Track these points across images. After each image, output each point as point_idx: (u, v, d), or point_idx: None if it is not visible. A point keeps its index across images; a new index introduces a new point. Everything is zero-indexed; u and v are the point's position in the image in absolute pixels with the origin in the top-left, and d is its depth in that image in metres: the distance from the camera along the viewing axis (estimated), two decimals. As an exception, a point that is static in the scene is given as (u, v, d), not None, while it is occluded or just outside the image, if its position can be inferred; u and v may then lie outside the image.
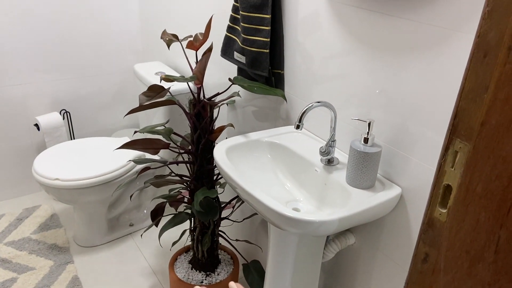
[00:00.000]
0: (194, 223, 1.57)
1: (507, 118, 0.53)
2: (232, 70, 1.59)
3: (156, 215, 1.51)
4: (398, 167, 1.04)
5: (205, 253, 1.57)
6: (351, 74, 1.11)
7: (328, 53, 1.17)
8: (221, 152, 1.18)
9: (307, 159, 1.18)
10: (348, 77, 1.12)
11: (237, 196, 1.52)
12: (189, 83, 1.77)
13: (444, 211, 0.64)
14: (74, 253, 1.86)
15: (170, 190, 1.56)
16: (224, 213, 1.88)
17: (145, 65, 1.96)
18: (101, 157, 1.79)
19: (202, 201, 1.42)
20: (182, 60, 1.90)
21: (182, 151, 1.46)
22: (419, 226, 1.02)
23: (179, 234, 1.95)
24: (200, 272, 1.61)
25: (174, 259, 1.67)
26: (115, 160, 1.77)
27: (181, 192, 1.55)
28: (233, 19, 1.42)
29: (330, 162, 1.14)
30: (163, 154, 1.91)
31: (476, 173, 0.58)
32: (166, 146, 1.38)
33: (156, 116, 1.84)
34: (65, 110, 2.14)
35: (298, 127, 1.08)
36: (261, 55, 1.32)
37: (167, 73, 1.87)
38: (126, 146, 1.35)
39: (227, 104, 1.67)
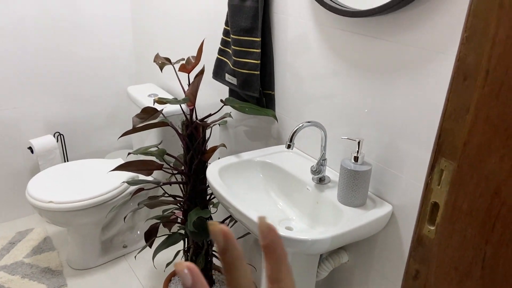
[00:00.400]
0: (188, 244, 1.57)
1: (488, 138, 0.55)
2: (224, 90, 1.61)
3: (149, 236, 1.51)
4: (389, 184, 1.06)
5: (199, 274, 1.56)
6: (340, 93, 1.14)
7: (317, 73, 1.20)
8: (214, 172, 1.19)
9: (299, 178, 1.19)
10: (337, 97, 1.15)
11: (230, 216, 1.53)
12: (182, 104, 1.79)
13: (433, 228, 0.65)
14: (68, 276, 1.84)
15: (164, 211, 1.56)
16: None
17: (138, 87, 1.98)
18: (95, 179, 1.79)
19: (195, 221, 1.43)
20: (174, 82, 1.93)
21: (175, 171, 1.47)
22: (410, 243, 1.03)
23: (173, 255, 1.94)
24: (194, 293, 1.60)
25: (168, 280, 1.66)
26: (108, 182, 1.77)
27: (174, 213, 1.55)
28: (224, 42, 1.45)
29: (321, 180, 1.16)
30: (156, 174, 1.92)
31: (461, 191, 0.60)
32: (160, 167, 1.39)
33: (149, 137, 1.85)
34: (59, 132, 2.14)
35: (289, 146, 1.10)
36: (252, 77, 1.35)
37: (160, 95, 1.89)
38: (120, 168, 1.35)
39: (219, 125, 1.69)
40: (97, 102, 2.22)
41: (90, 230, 1.82)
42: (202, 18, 1.64)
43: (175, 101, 1.32)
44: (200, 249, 1.53)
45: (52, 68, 2.04)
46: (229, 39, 1.41)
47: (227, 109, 1.60)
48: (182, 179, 1.51)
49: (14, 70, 1.95)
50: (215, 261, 1.86)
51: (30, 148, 2.02)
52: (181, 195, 1.86)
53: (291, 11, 1.24)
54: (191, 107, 1.41)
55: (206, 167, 1.48)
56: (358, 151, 1.04)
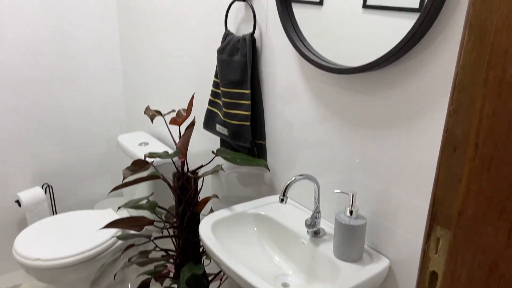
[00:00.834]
0: (181, 299, 1.52)
1: (482, 209, 0.55)
2: (215, 138, 1.61)
3: (141, 293, 1.46)
4: (384, 238, 1.04)
5: (194, 330, 1.51)
6: (330, 142, 1.15)
7: (306, 121, 1.21)
8: (206, 228, 1.17)
9: (294, 231, 1.18)
10: (327, 145, 1.16)
11: (225, 268, 1.49)
12: (173, 153, 1.78)
13: (432, 297, 0.64)
14: (55, 337, 1.76)
15: (156, 266, 1.52)
16: (212, 286, 1.82)
17: (129, 136, 1.97)
18: (84, 233, 1.75)
19: (188, 278, 1.39)
20: (165, 129, 1.93)
21: (167, 225, 1.44)
22: (410, 298, 1.01)
23: (166, 308, 1.88)
24: None
25: (162, 338, 1.59)
26: (97, 236, 1.73)
27: (166, 266, 1.51)
28: (214, 94, 1.46)
29: (316, 234, 1.14)
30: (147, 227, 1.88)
31: (459, 260, 0.59)
32: (151, 223, 1.36)
33: (140, 186, 1.83)
34: (47, 184, 2.11)
35: (282, 201, 1.09)
36: (243, 128, 1.35)
37: (150, 144, 1.89)
38: (110, 225, 1.32)
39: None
40: (87, 150, 2.21)
41: (79, 286, 1.75)
42: (192, 68, 1.66)
43: (166, 155, 1.31)
44: (194, 305, 1.48)
45: (42, 119, 2.04)
46: (219, 91, 1.43)
47: (219, 159, 1.59)
48: (174, 232, 1.48)
49: (2, 122, 1.94)
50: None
51: (17, 201, 1.97)
52: (173, 248, 1.82)
53: (279, 66, 1.26)
54: (182, 159, 1.40)
55: (199, 218, 1.46)
56: (352, 205, 1.04)
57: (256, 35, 1.31)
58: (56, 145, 2.11)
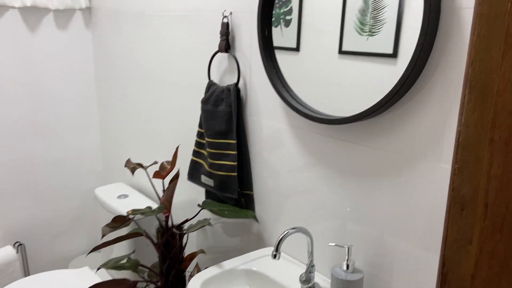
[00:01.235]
0: None
1: (496, 273, 0.53)
2: (200, 187, 1.56)
3: None
4: (383, 292, 1.00)
5: None
6: (318, 190, 1.12)
7: (293, 169, 1.19)
8: (195, 289, 1.10)
9: (288, 287, 1.12)
10: (316, 193, 1.13)
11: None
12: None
13: None
14: None
15: (139, 330, 1.41)
16: None
17: (107, 188, 1.90)
18: (59, 295, 1.63)
19: None
20: (146, 179, 1.86)
21: (151, 286, 1.36)
22: None
23: None
24: None
25: None
26: (75, 297, 1.61)
27: (151, 330, 1.41)
28: (198, 144, 1.43)
29: (311, 289, 1.09)
30: (128, 282, 1.77)
31: (476, 327, 0.56)
32: (133, 286, 1.28)
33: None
34: (19, 242, 1.98)
35: (275, 256, 1.04)
36: (230, 178, 1.32)
37: (130, 196, 1.81)
38: (90, 290, 1.23)
39: (195, 225, 1.62)
40: (61, 205, 2.10)
41: None
42: (174, 119, 1.63)
43: (150, 211, 1.25)
44: None
45: (12, 172, 1.94)
46: (204, 141, 1.40)
47: (205, 212, 1.54)
48: (158, 291, 1.40)
49: (-28, 179, 1.84)
50: None
51: (-14, 262, 1.83)
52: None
53: (264, 114, 1.25)
54: (167, 214, 1.34)
55: (185, 276, 1.38)
56: (348, 259, 1.00)
57: (240, 84, 1.31)
58: (28, 200, 2.00)
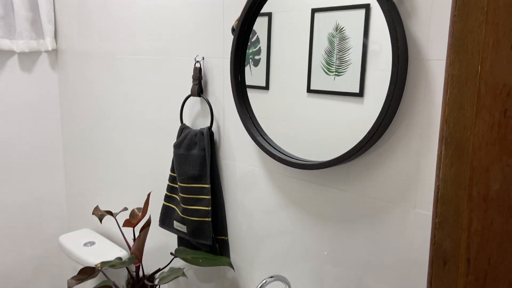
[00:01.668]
0: None
1: (484, 329, 0.52)
2: (172, 234, 1.51)
3: None
4: None
5: None
6: (293, 232, 1.11)
7: (267, 210, 1.18)
8: None
9: (266, 339, 1.08)
10: (291, 234, 1.12)
11: None
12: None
13: None
14: None
15: None
16: None
17: (72, 235, 1.80)
18: None
19: None
20: (113, 225, 1.79)
21: None
22: None
23: None
24: None
25: None
26: None
27: None
28: (170, 189, 1.40)
29: None
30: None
31: None
32: None
33: (86, 293, 1.64)
34: (-28, 297, 1.83)
35: (253, 307, 1.00)
36: (204, 224, 1.28)
37: (98, 243, 1.73)
38: None
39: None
40: (23, 253, 1.97)
41: None
42: (145, 163, 1.59)
43: (120, 263, 1.19)
44: None
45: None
46: (176, 186, 1.37)
47: (178, 260, 1.48)
48: None
49: None
50: None
51: None
52: None
53: (239, 158, 1.24)
54: (138, 265, 1.28)
55: (157, 330, 1.31)
56: (328, 307, 0.98)
57: (213, 128, 1.30)
58: (-14, 250, 1.87)
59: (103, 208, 1.82)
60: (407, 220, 0.89)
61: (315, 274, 1.08)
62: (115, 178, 1.76)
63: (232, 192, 1.29)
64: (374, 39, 0.88)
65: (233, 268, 1.29)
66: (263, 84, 1.12)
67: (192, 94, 1.30)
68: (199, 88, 1.29)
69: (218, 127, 1.29)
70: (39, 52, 1.90)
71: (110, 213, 1.35)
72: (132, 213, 1.32)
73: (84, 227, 2.00)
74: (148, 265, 1.62)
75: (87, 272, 1.27)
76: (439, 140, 0.55)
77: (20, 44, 1.81)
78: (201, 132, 1.28)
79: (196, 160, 1.29)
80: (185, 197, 1.31)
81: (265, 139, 1.13)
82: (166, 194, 1.41)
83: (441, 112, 0.54)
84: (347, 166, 0.98)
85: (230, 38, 1.19)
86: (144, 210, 1.28)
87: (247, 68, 1.15)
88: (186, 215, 1.31)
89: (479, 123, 0.50)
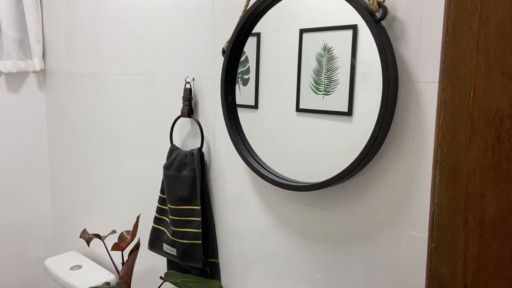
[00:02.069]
0: None
1: None
2: (161, 258, 1.48)
3: None
4: None
5: None
6: (285, 253, 1.10)
7: (258, 230, 1.16)
8: None
9: None
10: (283, 256, 1.10)
11: None
12: (112, 276, 1.60)
13: None
14: None
15: None
16: None
17: (58, 259, 1.76)
18: None
19: None
20: (101, 247, 1.75)
21: None
22: None
23: None
24: None
25: None
26: None
27: None
28: (160, 210, 1.37)
29: None
30: None
31: None
32: None
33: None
34: (-48, 325, 1.76)
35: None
36: (194, 247, 1.26)
37: (85, 266, 1.68)
38: None
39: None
40: (6, 277, 1.91)
41: None
42: (134, 185, 1.57)
43: (108, 288, 1.16)
44: None
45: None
46: (166, 207, 1.35)
47: (168, 284, 1.45)
48: None
49: None
50: None
51: None
52: None
53: (229, 179, 1.23)
54: (126, 289, 1.25)
55: None
56: (322, 332, 0.96)
57: (204, 149, 1.29)
58: (-32, 276, 1.81)
59: (91, 230, 1.78)
60: (400, 242, 0.88)
61: (308, 298, 1.06)
62: (103, 199, 1.73)
63: (222, 214, 1.27)
64: (362, 59, 0.89)
65: (224, 292, 1.27)
66: (252, 103, 1.12)
67: (182, 115, 1.29)
68: (189, 109, 1.28)
69: (209, 148, 1.28)
70: (27, 72, 1.89)
71: (98, 236, 1.31)
72: (121, 236, 1.29)
73: (71, 250, 1.95)
74: (137, 289, 1.58)
75: (73, 298, 1.23)
76: (433, 164, 0.55)
77: (7, 65, 1.79)
78: (191, 153, 1.27)
79: (186, 182, 1.27)
80: (175, 219, 1.29)
81: (256, 160, 1.12)
82: (155, 216, 1.38)
83: (435, 137, 0.54)
84: (339, 187, 0.97)
85: (220, 59, 1.20)
86: (133, 233, 1.25)
87: (236, 87, 1.15)
88: (176, 238, 1.28)
89: (473, 148, 0.50)
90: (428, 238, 0.56)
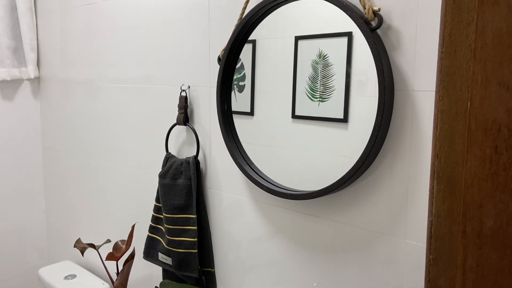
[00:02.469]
0: None
1: None
2: (156, 267, 1.47)
3: None
4: None
5: None
6: (282, 261, 1.09)
7: (254, 238, 1.15)
8: None
9: None
10: (279, 265, 1.10)
11: None
12: None
13: None
14: None
15: None
16: None
17: (52, 268, 1.73)
18: None
19: None
20: (95, 257, 1.73)
21: None
22: None
23: None
24: None
25: None
26: None
27: None
28: (155, 219, 1.36)
29: None
30: None
31: None
32: None
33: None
34: None
35: None
36: (189, 256, 1.25)
37: (78, 276, 1.66)
38: None
39: (152, 306, 1.50)
40: (-1, 288, 1.89)
41: None
42: (129, 193, 1.56)
43: (102, 299, 1.14)
44: None
45: None
46: (161, 216, 1.33)
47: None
48: None
49: None
50: None
51: None
52: None
53: (225, 187, 1.22)
54: (121, 300, 1.23)
55: None
56: None
57: (199, 157, 1.28)
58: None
59: (85, 239, 1.76)
60: (397, 251, 0.88)
61: (305, 307, 1.05)
62: (98, 208, 1.71)
63: (218, 223, 1.26)
64: (357, 65, 0.89)
65: (220, 302, 1.26)
66: (248, 110, 1.12)
67: (177, 123, 1.29)
68: (185, 116, 1.28)
69: (204, 156, 1.27)
70: (21, 80, 1.87)
71: (92, 246, 1.30)
72: (116, 246, 1.28)
73: (65, 259, 1.92)
74: (132, 299, 1.56)
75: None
76: (431, 174, 0.54)
77: (1, 73, 1.77)
78: (187, 161, 1.26)
79: (182, 190, 1.26)
80: (171, 228, 1.27)
81: (252, 168, 1.11)
82: (150, 225, 1.37)
83: (432, 147, 0.53)
84: (336, 196, 0.97)
85: (216, 67, 1.19)
86: (128, 242, 1.24)
87: (231, 94, 1.15)
88: (171, 247, 1.27)
89: (470, 158, 0.50)
90: (426, 249, 0.56)
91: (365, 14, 0.84)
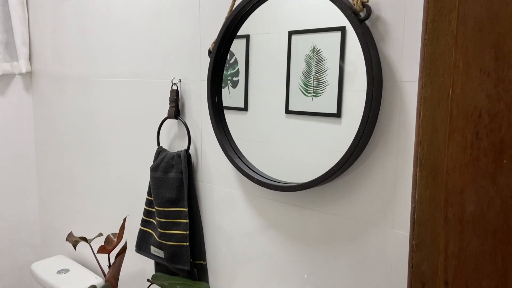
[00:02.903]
0: None
1: None
2: (148, 260, 1.47)
3: None
4: None
5: None
6: (273, 254, 1.09)
7: (246, 232, 1.16)
8: None
9: None
10: (271, 257, 1.10)
11: None
12: (99, 280, 1.58)
13: None
14: None
15: None
16: None
17: (45, 263, 1.73)
18: None
19: None
20: (88, 250, 1.73)
21: None
22: None
23: None
24: None
25: None
26: None
27: None
28: (147, 213, 1.36)
29: None
30: None
31: None
32: None
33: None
34: None
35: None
36: (181, 249, 1.25)
37: (71, 271, 1.66)
38: None
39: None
40: (-9, 283, 1.89)
41: None
42: (121, 187, 1.56)
43: (93, 292, 1.14)
44: None
45: None
46: (153, 210, 1.34)
47: (155, 287, 1.43)
48: None
49: None
50: None
51: None
52: None
53: (217, 181, 1.22)
54: (113, 293, 1.23)
55: None
56: (309, 333, 0.96)
57: (191, 150, 1.28)
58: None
59: (77, 233, 1.76)
60: (386, 241, 0.88)
61: (296, 298, 1.06)
62: (90, 202, 1.71)
63: (210, 215, 1.26)
64: (350, 60, 0.89)
65: (212, 294, 1.26)
66: (242, 106, 1.12)
67: (169, 117, 1.29)
68: (176, 110, 1.28)
69: (196, 150, 1.28)
70: (13, 74, 1.86)
71: (84, 239, 1.30)
72: (107, 239, 1.28)
73: (58, 253, 1.92)
74: (124, 293, 1.56)
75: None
76: (414, 161, 0.55)
77: (-8, 67, 1.77)
78: (178, 154, 1.26)
79: (173, 183, 1.26)
80: (162, 221, 1.28)
81: (242, 161, 1.12)
82: (142, 219, 1.37)
83: (415, 134, 0.54)
84: (325, 187, 0.97)
85: (207, 60, 1.19)
86: (120, 235, 1.24)
87: (225, 90, 1.15)
88: (163, 240, 1.27)
89: (452, 145, 0.50)
90: (410, 235, 0.56)
91: (354, 5, 0.84)
